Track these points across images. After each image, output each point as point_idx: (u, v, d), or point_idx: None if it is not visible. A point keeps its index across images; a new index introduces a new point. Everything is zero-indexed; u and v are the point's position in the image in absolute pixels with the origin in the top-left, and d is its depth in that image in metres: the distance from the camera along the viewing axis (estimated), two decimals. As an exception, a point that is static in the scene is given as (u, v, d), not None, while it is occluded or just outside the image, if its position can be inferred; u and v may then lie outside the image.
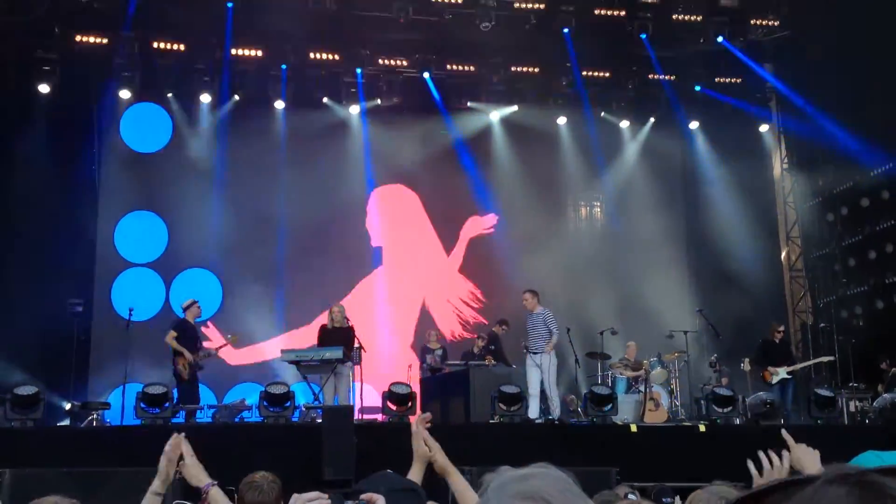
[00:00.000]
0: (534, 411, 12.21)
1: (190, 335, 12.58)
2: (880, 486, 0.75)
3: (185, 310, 12.95)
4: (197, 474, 3.56)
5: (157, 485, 3.58)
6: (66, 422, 13.06)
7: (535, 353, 12.61)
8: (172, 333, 12.43)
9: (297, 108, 16.96)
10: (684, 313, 16.60)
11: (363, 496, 2.04)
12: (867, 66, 14.99)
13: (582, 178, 18.07)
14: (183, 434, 3.64)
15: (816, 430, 11.50)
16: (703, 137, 18.18)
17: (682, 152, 18.59)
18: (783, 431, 3.13)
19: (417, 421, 3.41)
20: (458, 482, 3.20)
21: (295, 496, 2.00)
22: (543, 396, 12.71)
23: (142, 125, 16.69)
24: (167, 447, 3.57)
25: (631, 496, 5.19)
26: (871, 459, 1.78)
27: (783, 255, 18.43)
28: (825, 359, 14.77)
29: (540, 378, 12.53)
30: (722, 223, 17.57)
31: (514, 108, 17.59)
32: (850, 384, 14.36)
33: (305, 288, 16.51)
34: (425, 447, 3.31)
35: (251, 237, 16.17)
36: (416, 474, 3.38)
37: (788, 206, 18.51)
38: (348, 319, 12.77)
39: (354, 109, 17.09)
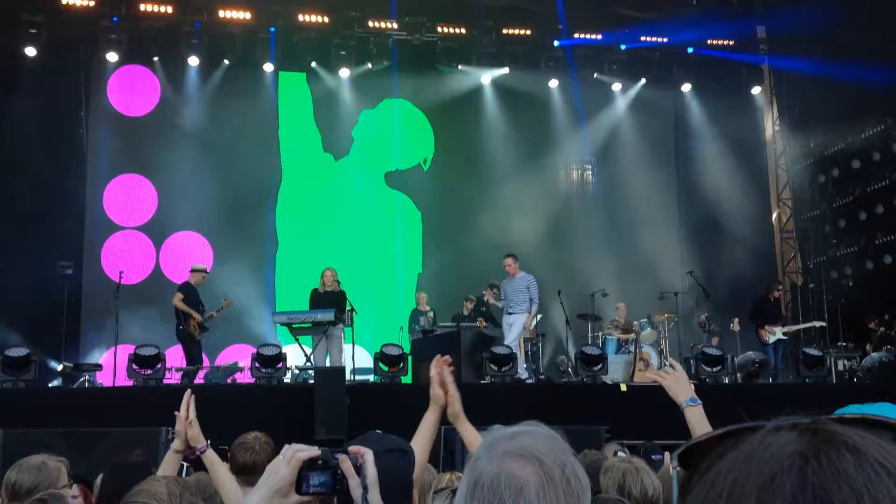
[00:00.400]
0: (521, 371, 12.23)
1: (194, 297, 12.63)
2: (831, 432, 0.75)
3: (191, 272, 12.95)
4: (195, 435, 3.59)
5: (177, 443, 3.61)
6: (58, 382, 13.08)
7: (510, 314, 12.62)
8: (179, 295, 12.48)
9: (285, 71, 16.85)
10: (675, 275, 16.67)
11: (351, 448, 2.05)
12: (862, 27, 14.93)
13: (573, 141, 18.02)
14: (189, 391, 3.66)
15: (805, 389, 11.62)
16: (695, 100, 18.13)
17: (674, 115, 18.54)
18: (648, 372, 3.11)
19: (436, 363, 3.25)
20: (467, 432, 3.21)
21: (286, 447, 2.00)
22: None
23: (129, 88, 16.54)
24: (182, 407, 3.58)
25: (621, 454, 5.24)
26: (853, 412, 1.79)
27: (774, 216, 18.47)
28: (817, 324, 14.85)
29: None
30: (713, 185, 17.58)
31: (506, 70, 17.47)
32: (839, 344, 14.47)
33: (298, 252, 16.51)
34: (440, 392, 3.24)
35: (242, 201, 16.12)
36: (430, 419, 3.30)
37: (780, 168, 18.52)
38: (339, 283, 12.76)
39: (345, 73, 16.95)
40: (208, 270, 13.23)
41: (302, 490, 1.96)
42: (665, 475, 4.00)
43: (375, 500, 1.98)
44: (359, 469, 1.99)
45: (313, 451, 1.98)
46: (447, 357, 3.28)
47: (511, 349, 11.56)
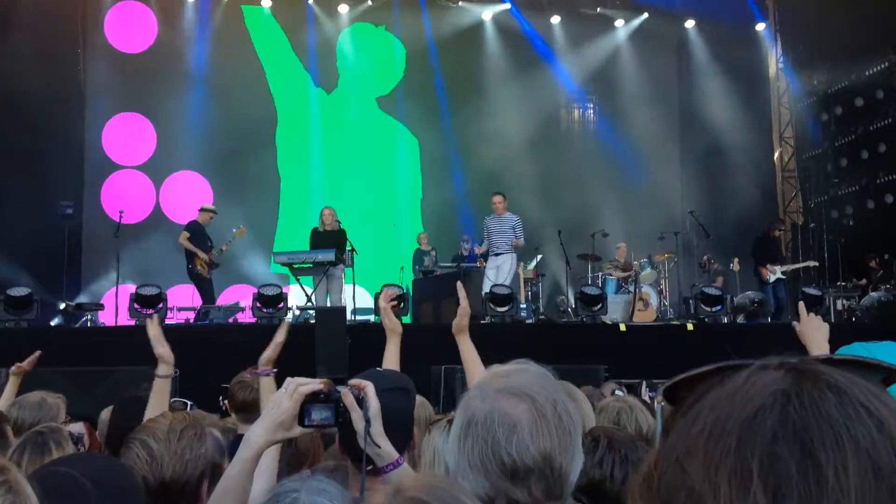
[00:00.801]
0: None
1: (201, 236, 12.63)
2: (816, 372, 0.75)
3: (200, 211, 12.92)
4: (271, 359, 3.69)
5: (161, 369, 3.64)
6: (58, 320, 13.13)
7: (497, 255, 12.43)
8: (185, 234, 12.50)
9: (284, 7, 16.64)
10: (675, 214, 16.66)
11: (352, 381, 2.07)
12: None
13: (576, 80, 17.86)
14: (155, 315, 3.76)
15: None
16: (698, 37, 17.91)
17: (676, 53, 18.35)
18: (800, 304, 3.26)
19: (382, 297, 3.74)
20: (467, 349, 3.34)
21: (288, 380, 2.02)
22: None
23: (126, 25, 16.34)
24: (150, 332, 3.66)
25: (618, 392, 5.29)
26: (857, 350, 1.81)
27: (776, 155, 18.38)
28: (810, 263, 14.89)
29: (495, 276, 12.28)
30: (716, 125, 17.46)
31: (507, 6, 17.23)
32: (839, 283, 14.50)
33: (299, 192, 16.49)
34: (396, 321, 3.51)
35: (242, 140, 16.03)
36: (392, 348, 3.57)
37: (783, 106, 18.38)
38: (339, 222, 12.72)
39: (343, 8, 16.76)
40: (217, 212, 13.19)
41: (304, 423, 1.99)
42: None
43: (378, 432, 2.00)
44: (360, 402, 2.01)
45: (315, 384, 2.00)
46: (393, 290, 3.67)
47: (511, 290, 11.59)
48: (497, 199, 12.56)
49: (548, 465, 1.55)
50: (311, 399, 1.99)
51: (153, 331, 3.65)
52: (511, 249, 12.33)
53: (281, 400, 1.99)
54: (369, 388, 2.04)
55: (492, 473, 1.55)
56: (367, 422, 1.98)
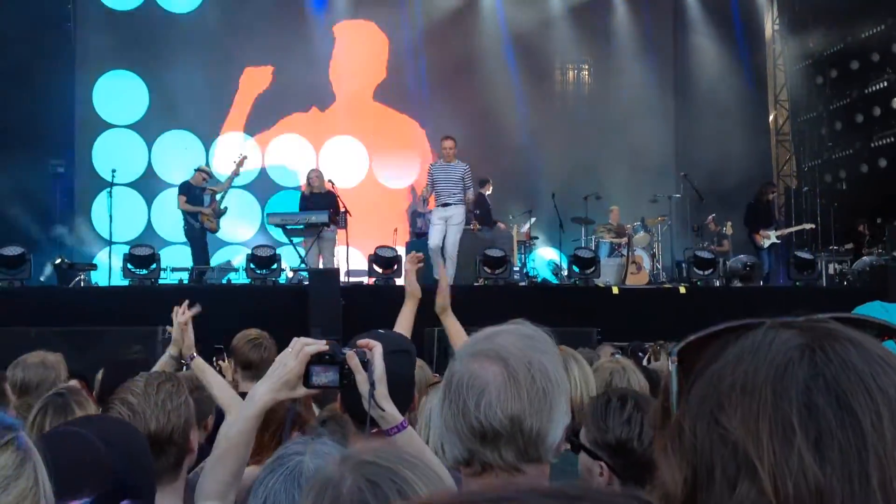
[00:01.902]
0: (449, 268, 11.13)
1: (196, 195, 12.62)
2: (829, 328, 0.78)
3: (195, 171, 12.90)
4: (189, 343, 3.69)
5: (172, 350, 3.74)
6: (49, 273, 13.06)
7: (445, 205, 11.54)
8: (182, 198, 12.46)
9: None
10: (668, 178, 16.65)
11: (359, 342, 2.08)
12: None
13: (570, 41, 17.72)
14: (186, 302, 3.82)
15: (795, 292, 11.74)
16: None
17: (672, 14, 18.21)
18: None
19: (409, 260, 3.67)
20: (452, 325, 3.37)
21: (295, 340, 2.04)
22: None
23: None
24: (178, 317, 3.74)
25: (617, 356, 5.36)
26: (877, 309, 1.82)
27: (771, 118, 18.34)
28: (807, 226, 14.92)
29: (444, 233, 11.49)
30: (711, 87, 17.39)
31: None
32: (831, 248, 14.55)
33: (291, 150, 16.42)
34: (416, 285, 3.54)
35: (231, 97, 15.94)
36: (408, 311, 3.61)
37: (778, 69, 18.30)
38: (333, 184, 12.65)
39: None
40: (210, 173, 13.15)
41: (309, 384, 2.01)
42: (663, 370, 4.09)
43: (382, 395, 2.01)
44: (366, 364, 2.02)
45: (321, 345, 2.02)
46: (420, 254, 3.62)
47: (504, 252, 11.57)
48: (449, 143, 11.69)
49: (517, 428, 1.55)
50: (316, 360, 2.00)
51: (181, 318, 3.72)
52: (461, 201, 11.57)
53: (286, 359, 2.01)
54: (376, 350, 2.05)
55: (464, 436, 1.57)
56: (372, 384, 1.99)
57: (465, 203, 11.65)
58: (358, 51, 16.97)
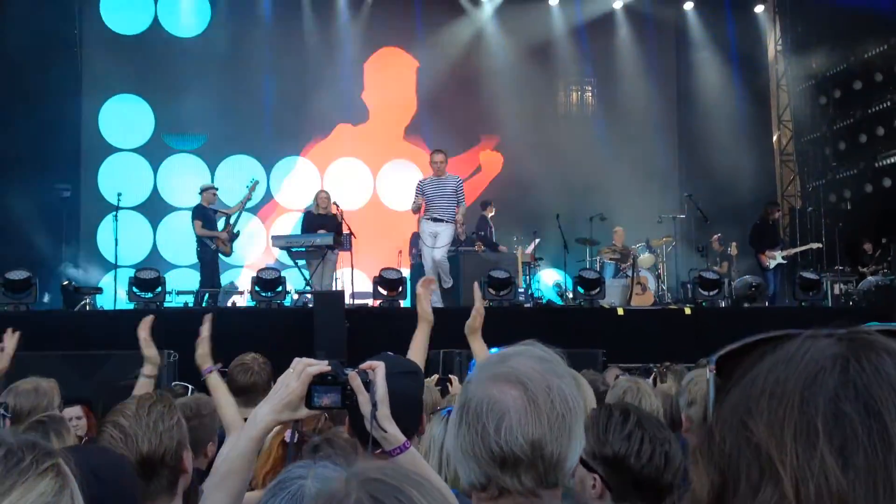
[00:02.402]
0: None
1: (211, 218, 12.63)
2: (868, 339, 0.78)
3: (201, 193, 12.88)
4: (204, 353, 3.72)
5: (147, 369, 3.72)
6: (46, 298, 13.07)
7: (436, 220, 11.25)
8: (198, 223, 12.43)
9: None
10: (673, 198, 16.66)
11: (362, 365, 2.08)
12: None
13: (573, 61, 17.79)
14: (148, 317, 3.82)
15: (800, 313, 11.70)
16: (696, 19, 17.85)
17: (675, 36, 18.28)
18: None
19: (421, 284, 3.61)
20: (479, 347, 3.37)
21: (296, 360, 2.03)
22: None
23: (123, 6, 16.28)
24: (140, 333, 3.76)
25: (622, 378, 5.35)
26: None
27: (774, 138, 18.36)
28: (814, 245, 14.89)
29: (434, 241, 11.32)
30: (714, 108, 17.43)
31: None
32: (836, 267, 14.51)
33: (295, 172, 16.48)
34: (429, 309, 3.50)
35: (239, 123, 16.00)
36: (421, 336, 3.58)
37: (781, 90, 18.33)
38: (338, 207, 12.67)
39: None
40: (216, 189, 13.13)
41: (311, 404, 2.00)
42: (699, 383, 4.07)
43: (384, 415, 2.00)
44: (368, 385, 2.01)
45: (323, 366, 2.01)
46: (431, 277, 3.59)
47: (509, 274, 11.54)
48: (439, 157, 11.34)
49: (538, 454, 1.54)
50: (319, 381, 2.00)
51: (143, 333, 3.74)
52: (452, 218, 11.28)
53: (289, 380, 2.00)
54: (379, 370, 2.04)
55: (482, 461, 1.55)
56: (374, 405, 1.99)
57: (456, 221, 11.41)
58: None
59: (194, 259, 13.03)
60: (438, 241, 11.24)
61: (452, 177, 11.44)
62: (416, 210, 11.38)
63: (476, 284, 3.69)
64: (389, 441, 1.99)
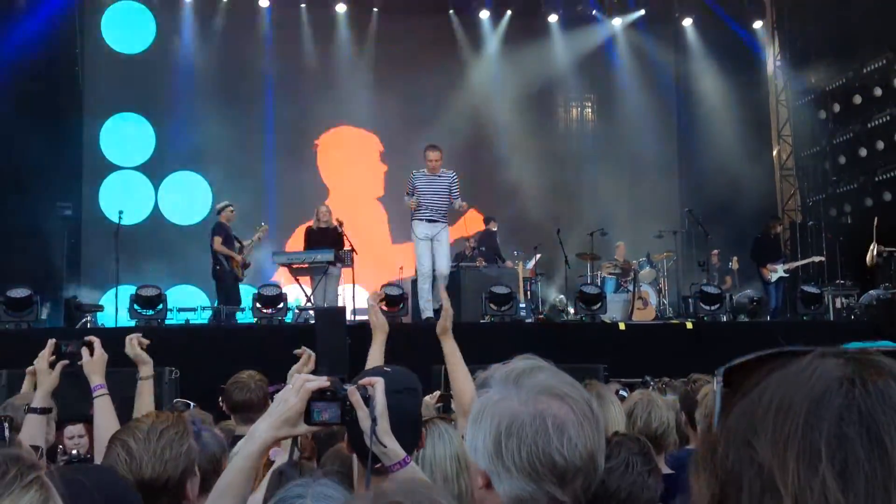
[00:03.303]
0: (426, 294, 10.75)
1: (230, 237, 12.62)
2: (875, 361, 0.78)
3: (219, 212, 12.88)
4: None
5: (142, 370, 3.86)
6: (46, 314, 13.05)
7: (431, 221, 10.59)
8: (217, 239, 12.42)
9: (283, 6, 16.66)
10: (674, 213, 16.67)
11: (361, 381, 2.07)
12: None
13: (573, 77, 17.86)
14: (135, 335, 3.82)
15: (802, 327, 11.68)
16: (695, 34, 17.92)
17: (674, 51, 18.36)
18: None
19: (371, 297, 3.75)
20: (451, 352, 3.39)
21: (296, 376, 2.03)
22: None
23: (124, 25, 16.36)
24: (127, 350, 3.76)
25: (622, 393, 5.34)
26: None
27: (774, 153, 18.39)
28: (816, 259, 14.88)
29: (432, 257, 10.66)
30: (714, 123, 17.47)
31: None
32: (837, 281, 14.50)
33: (296, 189, 16.49)
34: (383, 319, 3.56)
35: (240, 138, 16.04)
36: (377, 346, 3.64)
37: (781, 104, 18.38)
38: (341, 223, 12.66)
39: (341, 8, 16.78)
40: (232, 206, 13.12)
41: (311, 421, 1.98)
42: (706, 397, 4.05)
43: (384, 430, 2.00)
44: (367, 400, 2.01)
45: (322, 381, 2.00)
46: (382, 292, 3.73)
47: (510, 289, 11.53)
48: (434, 154, 10.56)
49: (592, 464, 1.57)
50: (318, 396, 1.99)
51: (128, 347, 3.74)
52: (445, 219, 10.69)
53: (287, 396, 1.99)
54: (378, 386, 2.03)
55: (541, 475, 1.55)
56: (374, 420, 1.98)
57: (459, 210, 10.76)
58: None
59: (196, 276, 12.98)
60: (439, 249, 10.62)
61: (447, 172, 10.68)
62: (409, 206, 10.72)
63: (441, 286, 3.77)
64: (389, 456, 1.99)
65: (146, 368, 3.77)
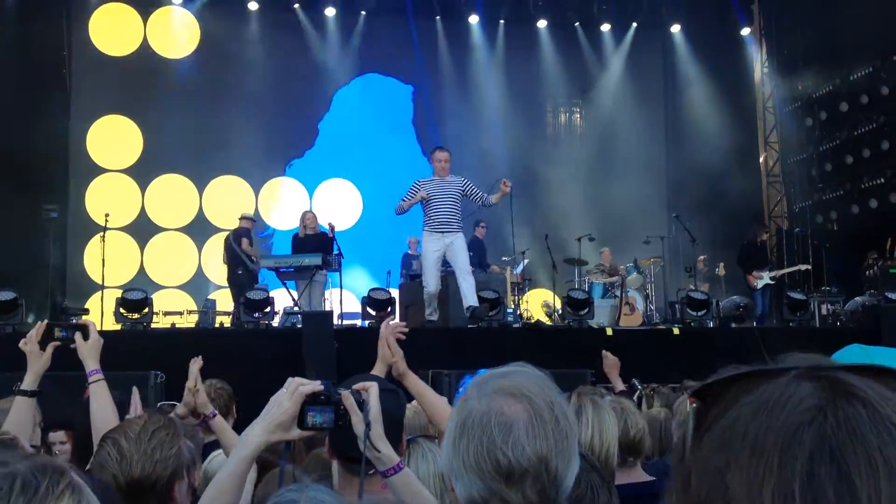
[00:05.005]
0: (432, 309, 10.16)
1: (252, 240, 12.98)
2: (849, 385, 0.78)
3: (244, 218, 13.13)
4: (203, 402, 3.67)
5: (180, 409, 3.72)
6: (31, 318, 13.01)
7: (445, 231, 9.78)
8: (245, 241, 12.69)
9: (274, 8, 16.65)
10: (661, 219, 16.71)
11: (355, 385, 2.05)
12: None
13: (562, 83, 17.90)
14: (198, 360, 3.77)
15: (788, 333, 11.71)
16: (684, 42, 17.99)
17: (662, 57, 18.42)
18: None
19: (388, 327, 3.46)
20: (416, 384, 3.27)
21: (290, 380, 2.01)
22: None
23: (111, 28, 16.30)
24: (190, 378, 3.68)
25: (607, 397, 5.32)
26: (856, 352, 1.82)
27: (761, 159, 18.46)
28: (802, 267, 14.93)
29: (440, 262, 10.00)
30: (701, 129, 17.53)
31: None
32: (823, 288, 14.55)
33: (282, 192, 16.49)
34: (389, 352, 3.35)
35: (227, 142, 16.01)
36: (376, 371, 3.48)
37: (768, 111, 18.46)
38: (333, 227, 12.64)
39: (330, 12, 16.77)
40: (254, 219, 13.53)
41: (304, 425, 1.97)
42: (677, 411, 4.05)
43: (378, 435, 1.99)
44: (361, 405, 1.99)
45: (315, 385, 1.98)
46: (402, 324, 3.49)
47: (498, 294, 11.53)
48: (443, 155, 9.76)
49: (543, 467, 1.52)
50: (312, 401, 1.97)
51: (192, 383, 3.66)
52: (460, 227, 9.87)
53: (281, 400, 1.98)
54: (372, 390, 2.02)
55: (486, 474, 1.52)
56: (368, 425, 1.97)
57: (499, 198, 9.76)
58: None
59: (181, 280, 12.93)
60: (457, 257, 9.82)
61: (457, 177, 9.88)
62: (400, 211, 9.91)
63: (385, 325, 3.48)
64: (383, 461, 1.98)
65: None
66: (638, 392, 6.39)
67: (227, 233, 13.43)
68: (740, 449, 0.77)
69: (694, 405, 0.84)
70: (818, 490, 0.73)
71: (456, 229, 9.74)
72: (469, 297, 9.89)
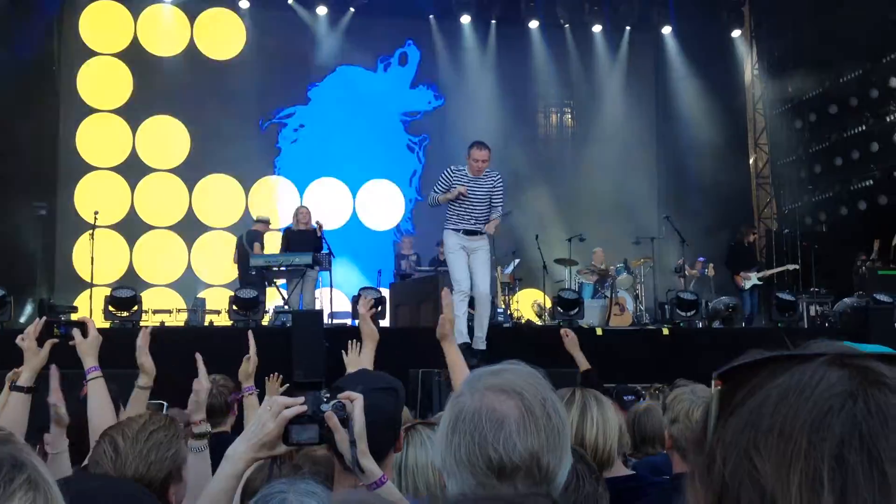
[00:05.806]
0: (464, 324, 8.56)
1: (263, 244, 12.95)
2: (878, 374, 0.77)
3: (257, 221, 13.28)
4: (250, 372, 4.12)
5: (142, 380, 3.60)
6: (27, 315, 12.97)
7: (471, 233, 8.59)
8: (258, 245, 12.76)
9: (264, 7, 16.62)
10: (651, 219, 16.74)
11: (340, 395, 2.05)
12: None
13: (553, 84, 17.92)
14: (149, 327, 3.78)
15: (776, 333, 11.76)
16: (675, 43, 18.02)
17: (654, 59, 18.46)
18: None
19: (362, 304, 3.74)
20: (451, 352, 3.37)
21: (273, 400, 2.01)
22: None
23: (102, 25, 16.25)
24: (138, 342, 3.64)
25: (627, 397, 5.39)
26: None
27: (751, 161, 18.52)
28: (790, 267, 14.98)
29: (468, 267, 8.62)
30: (692, 131, 17.58)
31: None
32: (812, 289, 14.61)
33: (272, 190, 16.47)
34: (373, 327, 3.57)
35: (220, 139, 15.98)
36: (367, 353, 3.65)
37: (758, 113, 18.52)
38: (320, 225, 12.64)
39: (322, 10, 16.74)
40: (269, 223, 13.61)
41: (289, 441, 1.97)
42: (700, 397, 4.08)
43: (361, 452, 1.99)
44: (345, 422, 1.99)
45: (299, 407, 1.98)
46: (371, 299, 3.66)
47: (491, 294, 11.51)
48: (482, 154, 8.44)
49: (535, 463, 1.52)
50: (295, 419, 1.97)
51: (141, 341, 3.62)
52: (484, 227, 8.64)
53: (265, 421, 1.97)
54: (357, 403, 2.02)
55: (478, 470, 1.52)
56: (352, 443, 1.97)
57: (492, 226, 8.68)
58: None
59: (171, 278, 12.88)
60: (477, 265, 8.64)
61: (490, 173, 8.61)
62: (434, 203, 8.74)
63: (445, 291, 3.67)
64: (367, 476, 1.99)
65: (145, 379, 3.61)
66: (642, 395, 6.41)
67: (241, 234, 13.44)
68: (768, 430, 0.77)
69: (719, 388, 0.83)
70: (848, 475, 0.73)
71: (482, 232, 8.63)
72: (476, 330, 8.76)
